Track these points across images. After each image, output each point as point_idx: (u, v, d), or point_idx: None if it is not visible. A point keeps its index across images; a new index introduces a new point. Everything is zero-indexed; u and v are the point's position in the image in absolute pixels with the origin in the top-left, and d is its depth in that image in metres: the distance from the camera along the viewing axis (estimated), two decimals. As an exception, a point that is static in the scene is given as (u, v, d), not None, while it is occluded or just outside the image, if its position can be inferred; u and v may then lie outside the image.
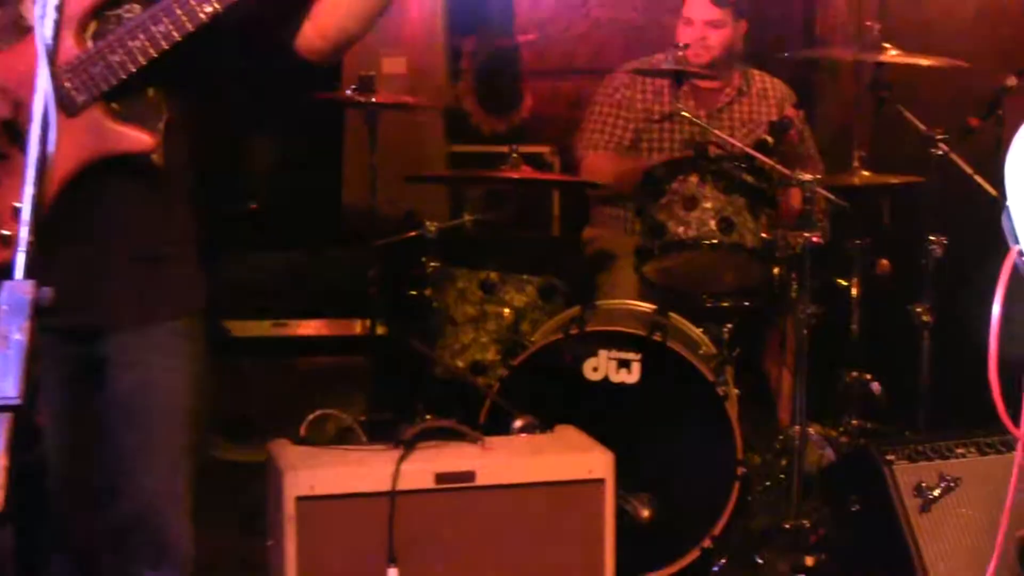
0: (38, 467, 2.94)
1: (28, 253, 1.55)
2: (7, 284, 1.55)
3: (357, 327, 5.29)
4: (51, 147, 1.62)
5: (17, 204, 2.68)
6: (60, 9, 2.55)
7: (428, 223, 4.69)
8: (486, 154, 6.49)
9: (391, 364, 5.12)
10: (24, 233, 1.56)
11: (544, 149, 6.30)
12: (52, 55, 1.65)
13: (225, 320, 5.36)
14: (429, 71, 6.11)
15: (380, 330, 5.16)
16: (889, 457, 3.95)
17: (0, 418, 1.43)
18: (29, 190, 1.55)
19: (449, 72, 6.37)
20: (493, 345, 4.69)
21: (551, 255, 5.30)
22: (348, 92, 4.79)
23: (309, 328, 5.49)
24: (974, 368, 5.55)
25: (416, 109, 5.58)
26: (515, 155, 4.66)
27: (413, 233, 4.78)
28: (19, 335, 1.47)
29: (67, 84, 2.75)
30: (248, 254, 5.52)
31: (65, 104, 2.75)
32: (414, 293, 4.66)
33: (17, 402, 1.45)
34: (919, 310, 4.66)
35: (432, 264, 4.69)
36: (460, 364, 4.67)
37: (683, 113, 4.79)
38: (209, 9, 2.73)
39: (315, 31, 2.99)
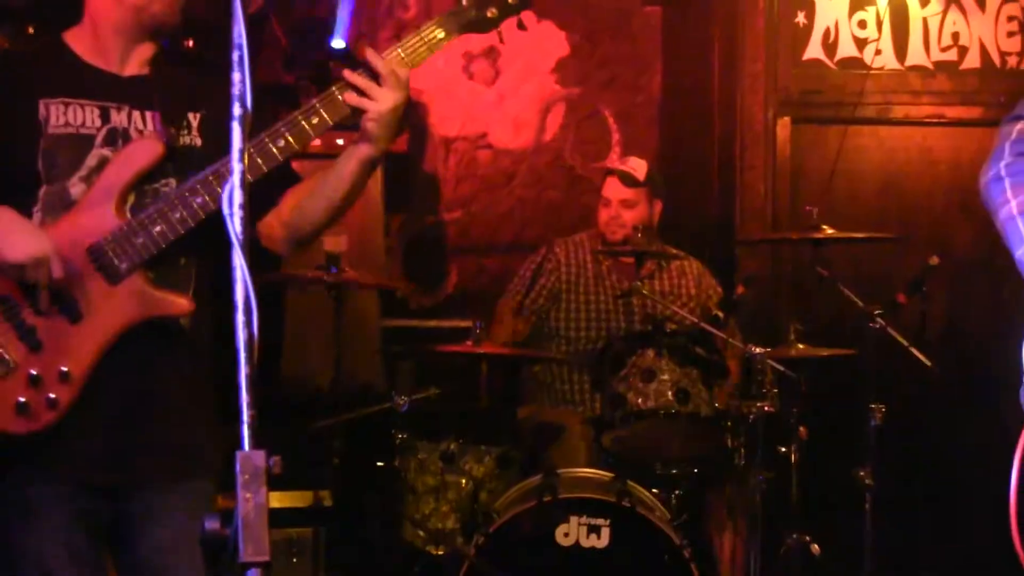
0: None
1: (251, 426, 1.67)
2: (241, 455, 1.68)
3: (310, 498, 5.34)
4: (255, 330, 1.71)
5: (64, 368, 2.83)
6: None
7: (397, 396, 4.82)
8: (416, 328, 6.68)
9: (347, 534, 5.19)
10: (246, 406, 1.68)
11: (468, 323, 6.47)
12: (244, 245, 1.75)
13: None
14: (369, 248, 6.27)
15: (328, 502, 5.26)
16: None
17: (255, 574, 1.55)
18: (243, 369, 1.67)
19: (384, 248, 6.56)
20: (453, 514, 4.81)
21: (507, 426, 5.44)
22: (315, 269, 4.95)
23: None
24: (915, 529, 5.83)
25: (375, 287, 5.74)
26: (479, 329, 4.83)
27: (384, 406, 4.90)
28: (261, 500, 1.59)
29: (110, 253, 2.91)
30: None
31: (109, 272, 2.91)
32: (382, 464, 4.77)
33: (268, 560, 1.57)
34: (861, 473, 4.91)
35: (400, 436, 4.81)
36: (421, 534, 4.78)
37: (643, 292, 5.03)
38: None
39: (279, 222, 3.13)
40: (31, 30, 5.80)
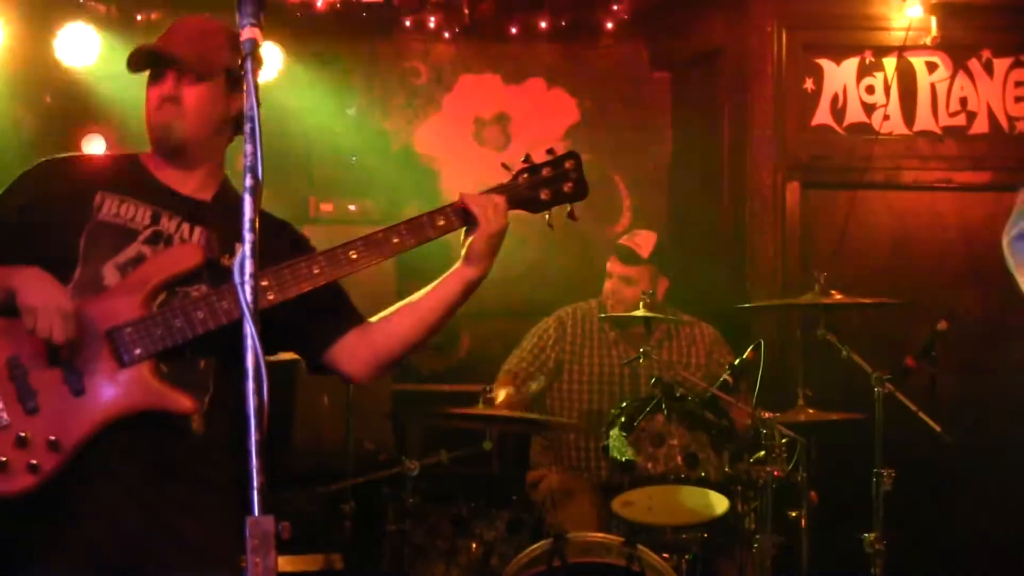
0: None
1: (260, 491, 1.70)
2: (251, 520, 1.71)
3: (321, 562, 5.35)
4: (265, 397, 1.74)
5: (53, 437, 2.84)
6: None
7: (408, 461, 4.83)
8: (427, 393, 6.70)
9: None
10: (255, 472, 1.70)
11: (479, 388, 6.49)
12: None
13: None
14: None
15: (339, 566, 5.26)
16: None
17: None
18: (253, 435, 1.70)
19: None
20: (463, 579, 4.81)
21: (517, 490, 5.44)
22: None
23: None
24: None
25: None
26: (489, 394, 4.86)
27: (394, 470, 4.91)
28: (271, 565, 1.61)
29: (127, 337, 2.95)
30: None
31: (121, 355, 2.93)
32: (393, 528, 4.77)
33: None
34: (871, 538, 4.89)
35: (411, 500, 4.82)
36: (433, 598, 4.78)
37: (652, 357, 5.04)
38: (271, 296, 2.96)
39: (366, 345, 3.19)
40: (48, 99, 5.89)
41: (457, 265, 3.15)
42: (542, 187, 3.20)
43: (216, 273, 3.05)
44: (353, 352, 3.19)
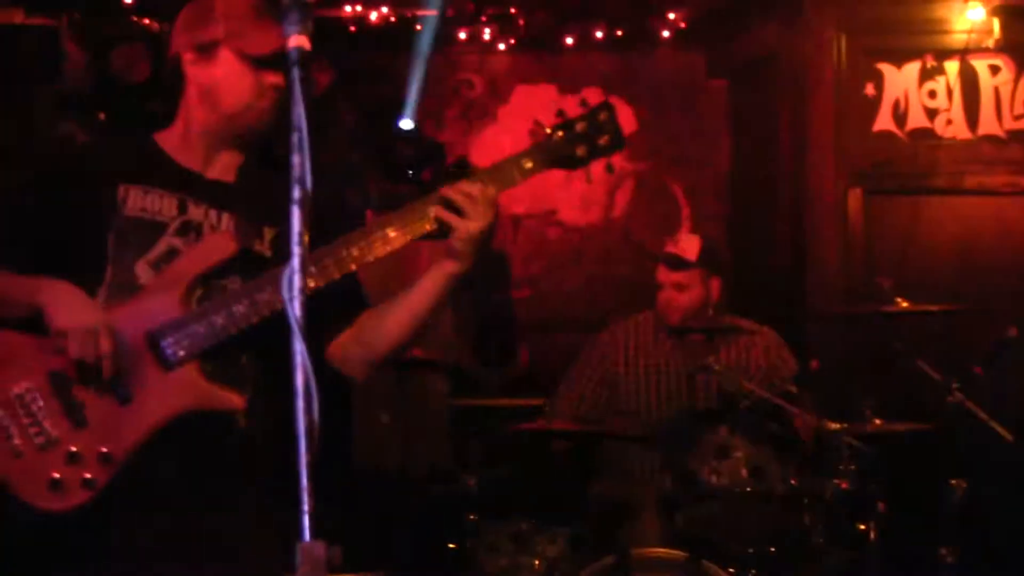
0: None
1: (310, 514, 1.65)
2: (302, 546, 1.65)
3: (381, 581, 5.30)
4: (315, 415, 1.69)
5: (105, 449, 2.80)
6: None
7: (466, 477, 4.78)
8: (486, 407, 6.63)
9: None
10: (306, 495, 1.65)
11: (539, 401, 6.44)
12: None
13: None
14: (436, 325, 6.26)
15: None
16: None
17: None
18: (303, 456, 1.64)
19: (453, 326, 6.55)
20: (526, 597, 4.75)
21: (578, 505, 5.37)
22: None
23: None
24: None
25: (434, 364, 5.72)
26: (548, 408, 4.79)
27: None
28: (322, 591, 1.56)
29: (169, 340, 2.88)
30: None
31: (164, 358, 2.88)
32: (453, 546, 4.72)
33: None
34: (944, 552, 4.79)
35: (471, 517, 4.77)
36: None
37: (715, 367, 4.95)
38: (312, 283, 2.86)
39: (355, 340, 3.07)
40: (102, 116, 5.90)
41: (441, 260, 2.97)
42: (577, 143, 3.03)
43: (248, 261, 2.98)
44: (347, 351, 3.08)
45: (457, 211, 2.90)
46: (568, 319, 6.94)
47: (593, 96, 3.09)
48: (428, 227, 2.92)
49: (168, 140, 3.12)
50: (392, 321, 3.05)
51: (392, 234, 2.90)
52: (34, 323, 2.87)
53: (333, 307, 3.02)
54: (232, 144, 3.09)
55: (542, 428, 4.98)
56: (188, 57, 3.05)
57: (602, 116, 3.07)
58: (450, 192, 2.91)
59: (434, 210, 2.91)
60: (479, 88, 7.30)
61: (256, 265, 2.97)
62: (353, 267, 2.90)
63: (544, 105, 7.24)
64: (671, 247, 5.63)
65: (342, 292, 2.99)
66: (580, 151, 3.04)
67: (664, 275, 5.56)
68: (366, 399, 6.03)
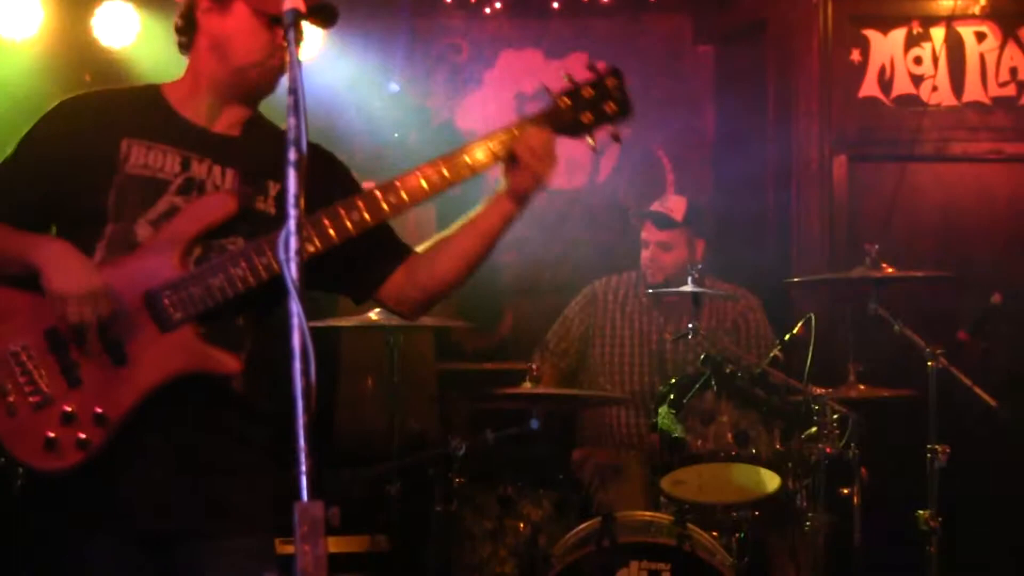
0: None
1: (309, 475, 1.65)
2: (300, 505, 1.66)
3: (366, 543, 5.31)
4: (312, 377, 1.69)
5: (99, 409, 2.80)
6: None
7: (454, 440, 4.79)
8: (471, 372, 6.66)
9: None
10: (303, 455, 1.66)
11: (524, 366, 6.44)
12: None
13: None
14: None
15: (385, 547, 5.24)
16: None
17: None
18: (300, 417, 1.65)
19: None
20: (511, 559, 4.77)
21: (563, 469, 5.39)
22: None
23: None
24: (981, 573, 5.73)
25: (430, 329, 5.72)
26: (535, 372, 4.81)
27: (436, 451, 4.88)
28: (320, 553, 1.57)
29: (166, 301, 2.88)
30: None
31: (161, 320, 2.87)
32: (439, 509, 4.74)
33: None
34: (926, 515, 4.81)
35: (457, 480, 4.78)
36: (479, 582, 4.75)
37: (701, 333, 4.97)
38: (311, 248, 2.87)
39: (413, 285, 3.11)
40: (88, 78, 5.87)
41: (498, 198, 3.01)
42: (584, 110, 3.03)
43: (250, 219, 2.97)
44: (401, 291, 3.12)
45: (532, 155, 2.93)
46: (552, 284, 6.94)
47: (578, 63, 3.08)
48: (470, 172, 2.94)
49: (175, 92, 3.10)
50: (450, 266, 3.07)
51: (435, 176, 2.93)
52: (32, 279, 2.87)
53: (371, 261, 3.07)
54: (240, 99, 3.07)
55: (528, 393, 4.98)
56: (203, 4, 3.02)
57: (610, 82, 3.08)
58: (517, 143, 2.94)
59: (504, 148, 2.94)
60: (465, 53, 7.27)
61: (259, 224, 2.96)
62: (387, 211, 2.92)
63: (531, 70, 7.21)
64: (658, 206, 5.65)
65: (378, 238, 3.01)
66: (585, 118, 3.05)
67: (650, 233, 5.59)
68: (351, 365, 6.03)
